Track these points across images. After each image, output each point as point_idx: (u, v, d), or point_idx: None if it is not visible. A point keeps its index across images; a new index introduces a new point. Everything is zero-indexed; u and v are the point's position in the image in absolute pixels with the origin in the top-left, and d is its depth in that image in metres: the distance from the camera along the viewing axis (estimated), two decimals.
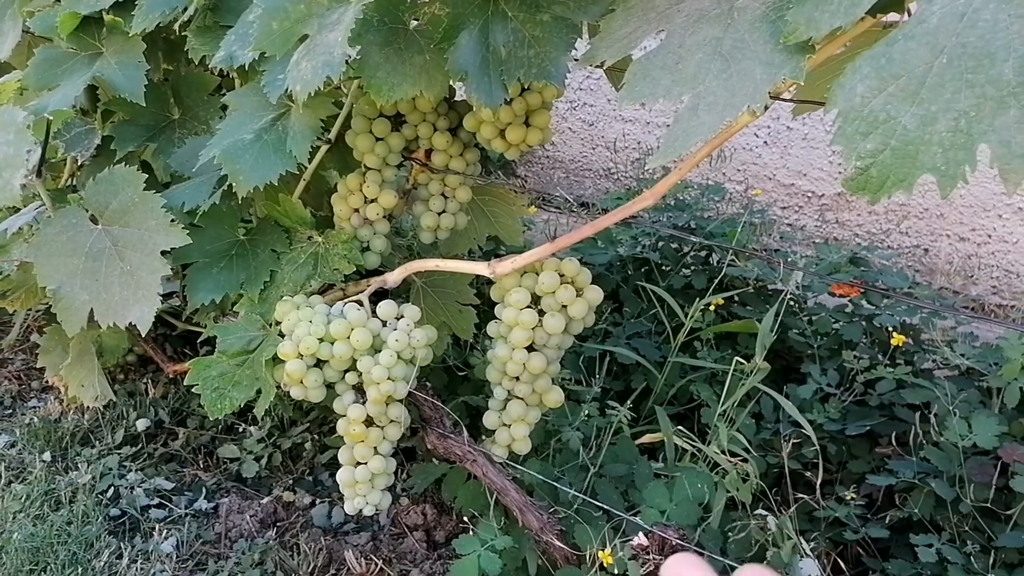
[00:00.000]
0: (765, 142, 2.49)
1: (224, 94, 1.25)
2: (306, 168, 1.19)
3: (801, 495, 1.41)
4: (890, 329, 1.59)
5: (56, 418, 1.90)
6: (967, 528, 1.30)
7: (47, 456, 1.78)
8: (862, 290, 1.25)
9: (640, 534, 1.14)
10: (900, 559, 1.33)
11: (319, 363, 1.09)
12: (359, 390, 1.12)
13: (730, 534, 1.30)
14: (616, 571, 1.15)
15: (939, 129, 0.62)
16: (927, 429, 1.38)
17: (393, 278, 1.14)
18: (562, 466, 1.38)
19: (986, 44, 0.60)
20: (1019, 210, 2.15)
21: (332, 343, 1.06)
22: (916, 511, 1.33)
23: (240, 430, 1.85)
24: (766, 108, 0.72)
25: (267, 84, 0.98)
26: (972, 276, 2.23)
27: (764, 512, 1.32)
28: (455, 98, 1.17)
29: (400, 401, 1.12)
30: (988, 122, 0.60)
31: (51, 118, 1.15)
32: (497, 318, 1.12)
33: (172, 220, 1.08)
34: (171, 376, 1.87)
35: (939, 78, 0.62)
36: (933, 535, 1.29)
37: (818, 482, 1.41)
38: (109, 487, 1.69)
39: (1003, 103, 0.60)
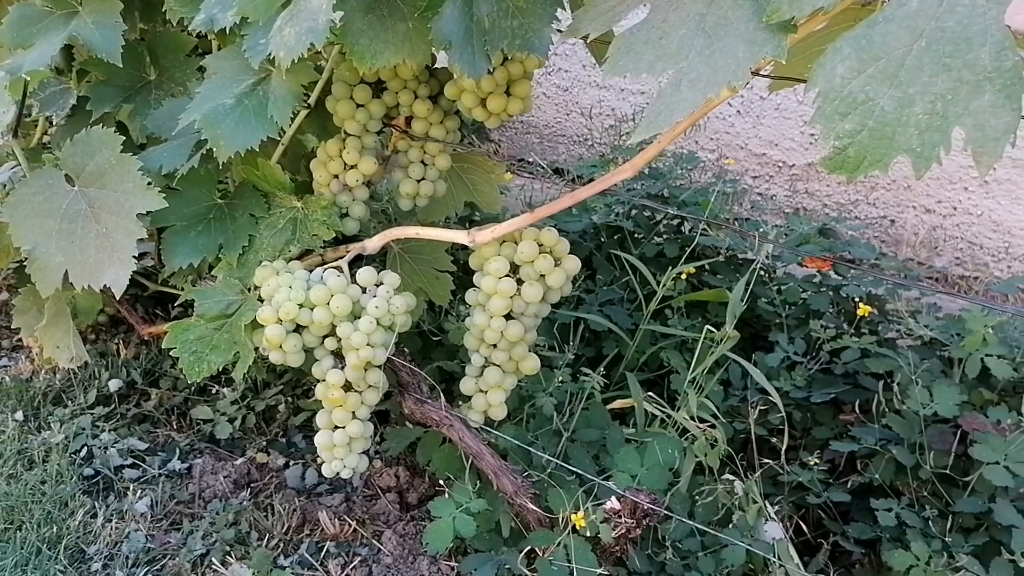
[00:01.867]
0: (738, 111, 2.51)
1: (201, 54, 1.24)
2: (284, 132, 1.19)
3: (766, 460, 1.45)
4: (856, 299, 1.62)
5: (28, 377, 1.89)
6: (926, 493, 1.34)
7: (19, 415, 1.77)
8: (833, 264, 1.28)
9: (613, 498, 1.17)
10: (860, 522, 1.38)
11: (298, 328, 1.10)
12: (338, 355, 1.13)
13: (698, 498, 1.33)
14: (588, 534, 1.18)
15: (916, 111, 0.64)
16: (890, 397, 1.42)
17: (372, 244, 1.14)
18: (536, 431, 1.41)
19: (964, 29, 0.62)
20: (984, 183, 2.20)
21: (312, 309, 1.07)
22: (877, 476, 1.37)
23: (213, 392, 1.85)
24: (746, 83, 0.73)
25: (249, 49, 0.97)
26: (937, 248, 2.28)
27: (731, 477, 1.36)
28: (436, 65, 1.17)
29: (379, 367, 1.13)
30: (964, 105, 0.62)
31: (28, 78, 1.14)
32: (475, 286, 1.13)
33: (149, 183, 1.07)
34: (144, 337, 1.86)
35: (918, 61, 0.64)
36: (893, 500, 1.33)
37: (783, 448, 1.45)
38: (82, 447, 1.69)
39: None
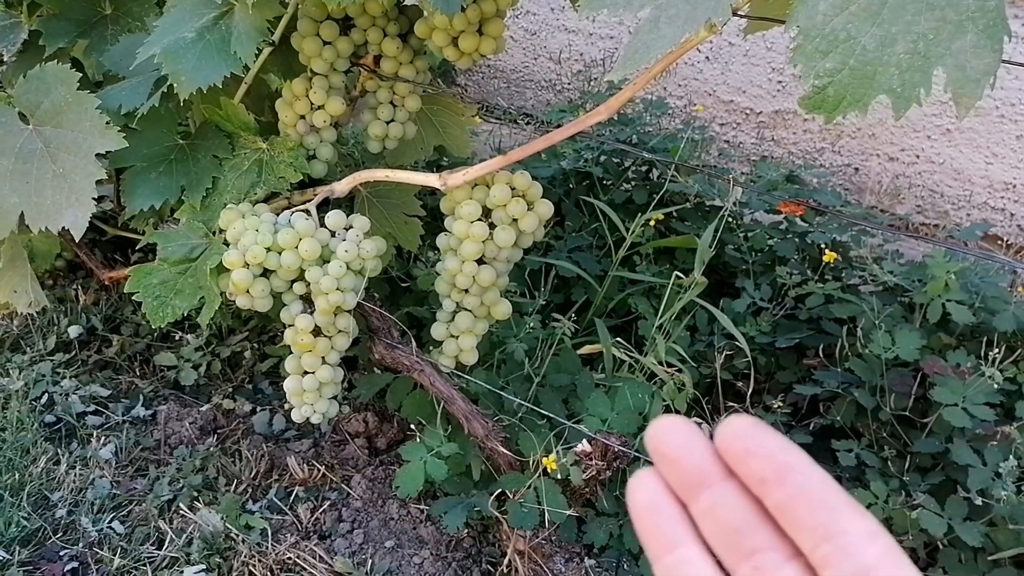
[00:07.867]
0: (707, 57, 2.49)
1: None
2: (248, 70, 1.15)
3: (732, 403, 1.47)
4: (822, 246, 1.64)
5: None
6: (885, 435, 1.38)
7: None
8: (807, 209, 1.29)
9: (584, 441, 1.18)
10: (821, 463, 1.40)
11: (266, 273, 1.08)
12: (307, 300, 1.11)
13: None
14: (559, 476, 1.19)
15: (897, 51, 0.63)
16: (852, 342, 1.44)
17: (341, 188, 1.12)
18: (507, 376, 1.41)
19: None
20: (947, 131, 2.21)
21: (280, 253, 1.05)
22: (838, 419, 1.40)
23: (176, 338, 1.83)
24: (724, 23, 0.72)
25: None
26: (900, 196, 2.31)
27: (698, 420, 1.38)
28: (406, 2, 1.13)
29: (348, 311, 1.12)
30: (946, 46, 0.61)
31: None
32: (446, 230, 1.12)
33: (107, 122, 1.04)
34: (104, 283, 1.83)
35: None
36: (853, 441, 1.36)
37: (748, 391, 1.47)
38: (43, 394, 1.66)
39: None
